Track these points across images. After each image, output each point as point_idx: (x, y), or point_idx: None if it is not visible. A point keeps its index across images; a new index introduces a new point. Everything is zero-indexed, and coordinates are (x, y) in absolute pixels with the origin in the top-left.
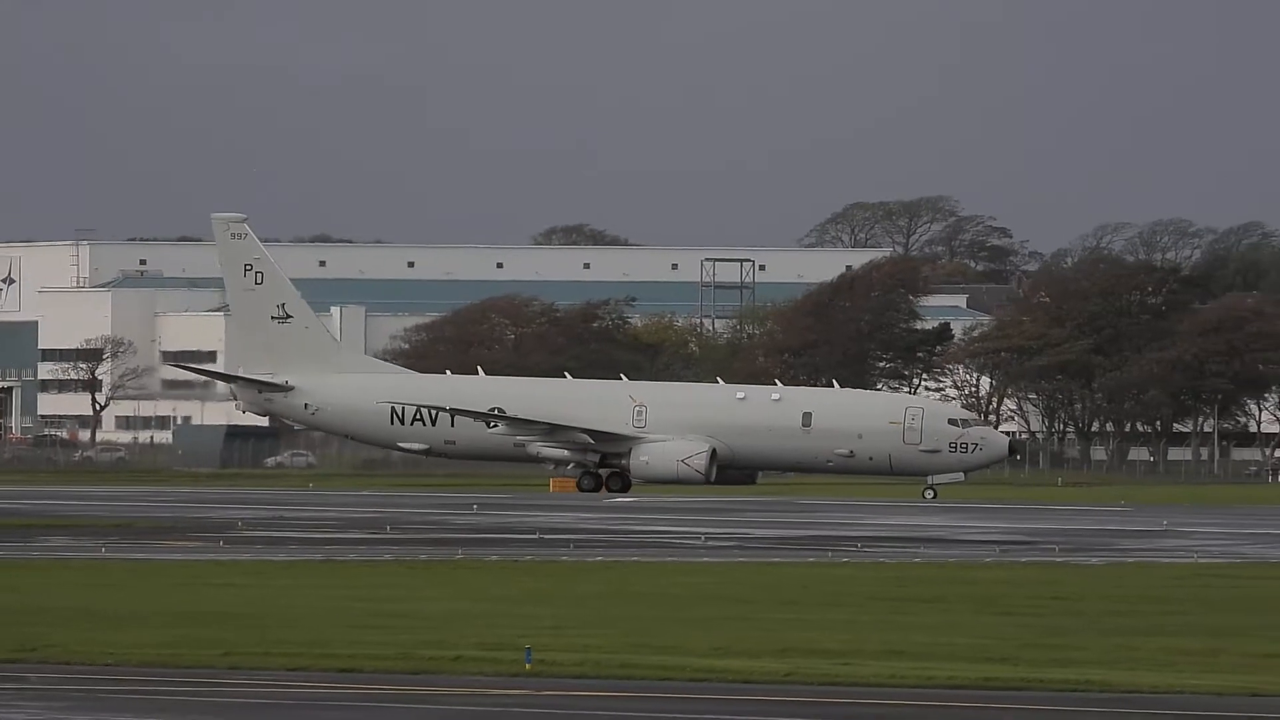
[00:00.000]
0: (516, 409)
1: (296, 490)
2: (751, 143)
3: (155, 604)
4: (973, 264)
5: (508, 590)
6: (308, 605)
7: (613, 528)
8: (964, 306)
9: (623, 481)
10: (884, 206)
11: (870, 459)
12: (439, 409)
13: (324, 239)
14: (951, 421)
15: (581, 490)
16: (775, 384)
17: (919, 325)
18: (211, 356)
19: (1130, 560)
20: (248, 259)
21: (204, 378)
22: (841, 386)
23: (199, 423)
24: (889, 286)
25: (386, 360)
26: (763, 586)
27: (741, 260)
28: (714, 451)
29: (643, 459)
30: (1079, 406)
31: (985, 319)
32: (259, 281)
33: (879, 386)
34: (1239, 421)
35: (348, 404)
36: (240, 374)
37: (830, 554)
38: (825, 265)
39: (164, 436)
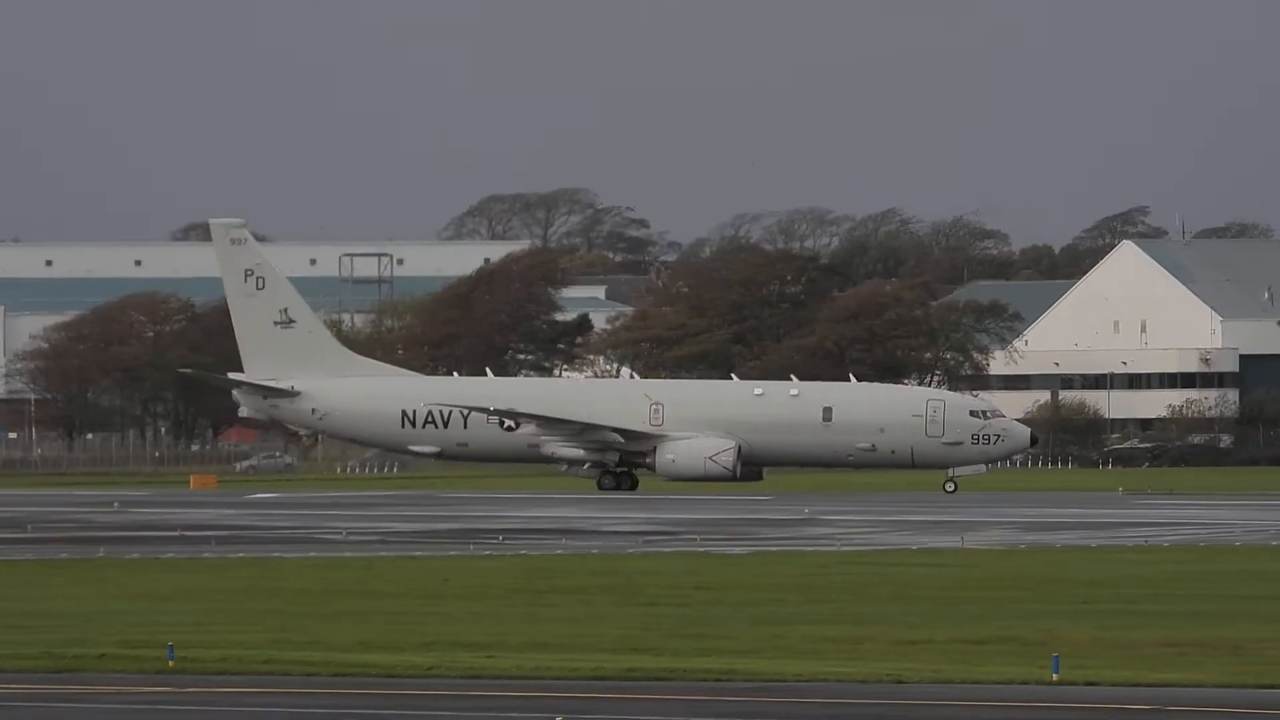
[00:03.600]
0: (530, 409)
1: None
2: (388, 138)
3: None
4: (611, 255)
5: (151, 587)
6: None
7: (256, 524)
8: (603, 298)
9: (631, 480)
10: (521, 199)
11: (892, 452)
12: (474, 409)
13: None
14: (973, 413)
15: (601, 489)
16: (791, 379)
17: (559, 317)
18: None
19: (773, 549)
20: (248, 264)
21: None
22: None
23: None
24: (529, 279)
25: (24, 359)
26: (405, 580)
27: (379, 255)
28: (739, 448)
29: (668, 457)
30: None
31: (626, 309)
32: (260, 286)
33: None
34: None
35: (356, 408)
36: (244, 379)
37: (472, 546)
38: (464, 258)
39: None
